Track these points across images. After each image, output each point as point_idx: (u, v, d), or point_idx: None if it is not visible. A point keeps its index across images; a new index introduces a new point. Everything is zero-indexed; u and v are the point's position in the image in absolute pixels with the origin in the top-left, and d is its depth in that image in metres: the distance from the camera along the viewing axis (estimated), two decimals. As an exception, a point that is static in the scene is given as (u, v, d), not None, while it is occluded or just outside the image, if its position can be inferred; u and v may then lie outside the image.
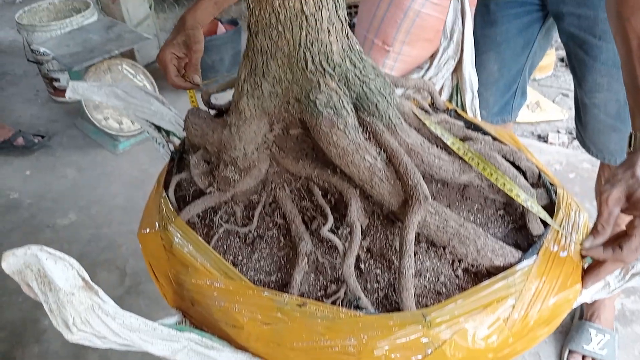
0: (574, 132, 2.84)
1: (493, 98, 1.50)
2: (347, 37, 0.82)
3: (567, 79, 3.28)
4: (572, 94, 3.17)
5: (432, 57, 1.25)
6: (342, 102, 0.80)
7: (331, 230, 0.81)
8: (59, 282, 0.54)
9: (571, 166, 2.49)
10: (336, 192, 0.86)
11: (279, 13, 0.76)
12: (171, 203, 0.91)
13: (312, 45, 0.78)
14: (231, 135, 0.86)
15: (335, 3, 0.78)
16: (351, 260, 0.75)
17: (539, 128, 2.84)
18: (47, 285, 0.54)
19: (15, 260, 0.53)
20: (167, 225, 0.88)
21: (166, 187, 0.98)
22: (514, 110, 1.60)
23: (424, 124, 0.91)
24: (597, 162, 2.54)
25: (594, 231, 0.77)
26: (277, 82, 0.82)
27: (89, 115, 2.60)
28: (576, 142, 2.74)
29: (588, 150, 1.40)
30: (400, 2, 2.97)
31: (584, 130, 1.37)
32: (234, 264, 0.83)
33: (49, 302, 0.54)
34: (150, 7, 3.21)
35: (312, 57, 0.79)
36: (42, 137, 2.76)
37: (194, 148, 1.04)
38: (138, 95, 1.22)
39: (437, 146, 0.90)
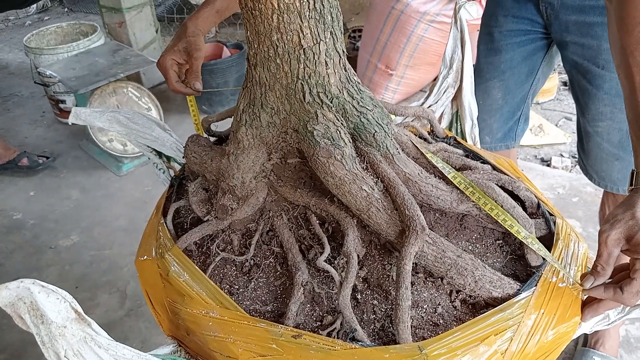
0: (577, 156, 2.84)
1: (497, 125, 1.51)
2: (345, 69, 0.83)
3: (569, 103, 3.29)
4: (575, 118, 3.18)
5: (432, 84, 1.26)
6: (340, 132, 0.81)
7: (328, 260, 0.81)
8: (51, 315, 0.54)
9: (574, 190, 2.48)
10: (333, 221, 0.86)
11: (277, 46, 0.77)
12: (169, 230, 0.92)
13: (309, 77, 0.79)
14: (229, 164, 0.87)
15: (332, 36, 0.79)
16: (347, 292, 0.75)
17: (542, 152, 2.84)
18: (39, 318, 0.53)
19: (8, 294, 0.53)
20: (164, 253, 0.88)
21: (164, 213, 0.98)
22: (517, 136, 1.60)
23: (422, 154, 0.92)
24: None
25: (594, 272, 0.77)
26: (275, 113, 0.83)
27: (94, 137, 2.62)
28: (579, 167, 2.73)
29: (590, 178, 1.40)
30: (403, 27, 3.01)
31: (587, 158, 1.37)
32: (230, 293, 0.83)
33: (41, 335, 0.54)
34: (156, 31, 3.25)
35: (310, 89, 0.79)
36: (47, 157, 2.78)
37: (193, 175, 1.04)
38: (140, 121, 1.23)
39: (435, 175, 0.90)
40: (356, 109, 0.83)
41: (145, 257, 0.92)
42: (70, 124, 1.20)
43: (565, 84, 3.48)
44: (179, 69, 1.14)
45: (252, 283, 0.84)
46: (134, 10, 3.06)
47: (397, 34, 3.03)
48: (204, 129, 1.07)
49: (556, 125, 3.06)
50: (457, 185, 0.86)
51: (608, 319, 0.84)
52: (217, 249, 0.88)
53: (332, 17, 0.78)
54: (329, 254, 0.81)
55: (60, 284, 2.10)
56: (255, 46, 0.79)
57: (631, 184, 0.83)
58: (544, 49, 1.42)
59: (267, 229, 0.88)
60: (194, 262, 0.85)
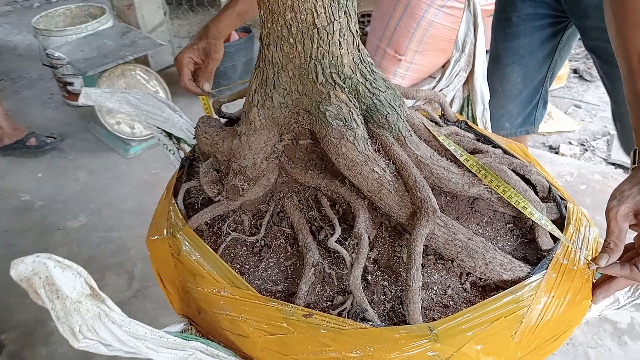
0: (585, 144, 2.83)
1: (517, 110, 1.50)
2: (359, 50, 0.82)
3: (579, 90, 3.26)
4: (584, 105, 3.16)
5: (444, 68, 1.25)
6: (352, 114, 0.80)
7: (338, 241, 0.81)
8: (67, 290, 0.54)
9: (582, 178, 2.47)
10: (344, 203, 0.86)
11: (290, 25, 0.76)
12: (180, 210, 0.92)
13: (323, 57, 0.78)
14: (241, 144, 0.87)
15: (347, 16, 0.78)
16: (358, 272, 0.75)
17: (551, 139, 2.82)
18: (55, 293, 0.54)
19: (24, 268, 0.53)
20: (175, 232, 0.88)
21: (175, 194, 0.98)
22: (536, 121, 1.60)
23: (434, 136, 0.91)
24: (609, 174, 2.53)
25: (607, 249, 0.76)
26: (287, 94, 0.82)
27: (102, 120, 2.62)
28: (588, 154, 2.72)
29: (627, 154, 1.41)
30: (413, 12, 2.98)
31: (623, 137, 1.38)
32: (241, 273, 0.84)
33: (56, 310, 0.54)
34: (165, 14, 3.24)
35: (323, 70, 0.79)
36: (55, 138, 2.78)
37: (203, 156, 1.04)
38: (150, 102, 1.23)
39: (446, 159, 0.90)
40: (369, 90, 0.83)
41: (157, 236, 0.92)
42: (80, 104, 1.20)
43: (575, 71, 3.45)
44: (195, 68, 1.15)
45: (263, 263, 0.84)
46: (142, -8, 3.05)
47: (407, 18, 3.01)
48: (214, 110, 1.07)
49: (565, 113, 3.04)
50: (470, 168, 0.86)
51: (618, 303, 0.84)
52: (228, 229, 0.88)
53: (350, -3, 0.78)
54: (340, 235, 0.82)
55: (69, 264, 2.10)
56: (269, 25, 0.78)
57: (634, 162, 0.83)
58: (562, 32, 1.41)
59: (278, 210, 0.89)
60: (205, 242, 0.85)
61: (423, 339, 0.70)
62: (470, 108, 1.25)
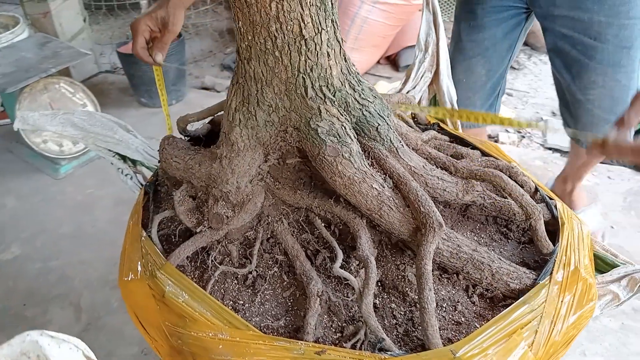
0: (522, 131, 2.92)
1: (480, 101, 1.51)
2: (345, 60, 0.77)
3: (509, 79, 3.37)
4: (515, 93, 3.26)
5: (409, 70, 1.22)
6: (345, 128, 0.75)
7: (341, 266, 0.75)
8: (66, 368, 0.46)
9: (524, 164, 2.54)
10: (340, 223, 0.81)
11: (275, 37, 0.70)
12: (156, 245, 0.83)
13: (311, 70, 0.72)
14: (222, 168, 0.79)
15: (333, 25, 0.73)
16: (369, 299, 0.70)
17: (489, 128, 2.89)
18: (52, 374, 0.45)
19: (10, 351, 0.44)
20: (154, 271, 0.79)
21: (144, 225, 0.89)
22: (497, 111, 1.62)
23: (422, 144, 0.88)
24: (548, 159, 2.63)
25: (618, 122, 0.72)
26: (273, 111, 0.76)
27: (26, 139, 2.40)
28: (525, 141, 2.82)
29: (577, 142, 1.44)
30: (347, 9, 2.96)
31: (576, 123, 1.41)
32: (235, 310, 0.76)
33: (54, 393, 0.46)
34: (84, 20, 3.03)
35: (312, 83, 0.73)
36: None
37: (170, 181, 0.96)
38: (98, 122, 1.12)
39: (436, 167, 0.87)
40: (358, 101, 0.78)
41: (131, 276, 0.82)
42: (16, 129, 1.07)
43: (503, 60, 3.56)
44: (150, 36, 1.05)
45: (258, 297, 0.78)
46: (59, -2, 2.83)
47: (341, 15, 2.98)
48: (179, 130, 0.98)
49: (499, 101, 3.13)
50: (442, 117, 0.84)
51: (618, 300, 0.84)
52: (214, 262, 0.80)
53: (332, 4, 0.72)
54: (342, 259, 0.76)
55: (5, 302, 1.91)
56: (249, 38, 0.71)
57: None
58: (523, 23, 1.44)
59: (268, 236, 0.82)
60: (189, 279, 0.77)
61: (446, 363, 0.67)
62: (438, 109, 1.23)
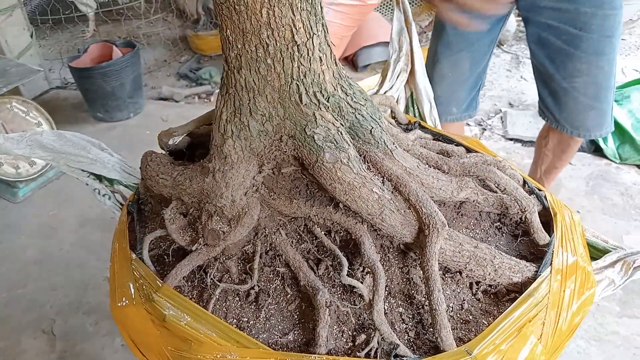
0: (482, 123, 2.98)
1: (464, 95, 1.53)
2: (336, 64, 0.75)
3: (466, 73, 3.44)
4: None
5: (384, 70, 1.22)
6: (341, 133, 0.74)
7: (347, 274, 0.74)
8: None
9: (489, 156, 2.59)
10: (340, 230, 0.79)
11: (267, 45, 0.68)
12: (149, 267, 0.80)
13: (305, 76, 0.71)
14: (215, 182, 0.76)
15: (324, 29, 0.71)
16: (380, 306, 0.69)
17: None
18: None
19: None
20: (150, 294, 0.76)
21: (132, 247, 0.85)
22: (477, 104, 1.64)
23: (412, 144, 0.87)
24: (511, 150, 2.69)
25: None
26: (266, 120, 0.73)
27: (-22, 163, 2.29)
28: (487, 133, 2.88)
29: (562, 128, 1.47)
30: (304, 11, 2.95)
31: (561, 111, 1.43)
32: (240, 328, 0.74)
33: None
34: (31, 36, 2.90)
35: (306, 89, 0.71)
36: None
37: (154, 198, 0.92)
38: (69, 142, 1.07)
39: (429, 166, 0.86)
40: (351, 105, 0.77)
41: (125, 301, 0.79)
42: (-20, 155, 1.01)
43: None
44: None
45: (263, 312, 0.75)
46: (3, 14, 2.70)
47: (298, 19, 2.97)
48: (162, 144, 0.94)
49: (459, 95, 3.19)
50: None
51: (614, 285, 0.86)
52: (214, 280, 0.77)
53: (321, 8, 0.71)
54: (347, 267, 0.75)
55: (-27, 335, 1.76)
56: (239, 47, 0.69)
57: None
58: (505, 17, 1.45)
59: (267, 248, 0.80)
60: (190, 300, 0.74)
61: (463, 363, 0.66)
62: (415, 107, 1.23)
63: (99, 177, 1.08)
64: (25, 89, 2.89)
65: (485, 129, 2.92)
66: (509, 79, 3.33)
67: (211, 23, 3.78)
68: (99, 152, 1.07)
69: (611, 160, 2.42)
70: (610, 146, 2.42)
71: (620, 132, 2.37)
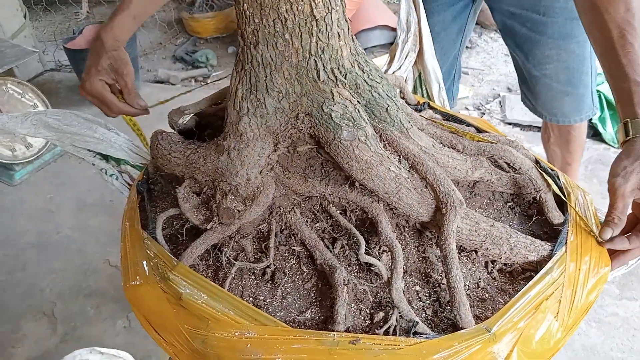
0: (481, 108, 2.98)
1: None
2: (353, 40, 0.74)
3: (463, 58, 3.43)
4: (472, 72, 3.31)
5: (392, 50, 1.21)
6: (359, 111, 0.73)
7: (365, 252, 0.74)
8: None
9: (488, 140, 2.59)
10: (356, 209, 0.79)
11: (285, 19, 0.66)
12: (163, 246, 0.79)
13: (323, 52, 0.70)
14: (230, 160, 0.75)
15: (342, 3, 0.70)
16: (399, 284, 0.69)
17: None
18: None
19: (60, 372, 0.40)
20: (166, 273, 0.75)
21: (145, 226, 0.84)
22: (454, 95, 1.62)
23: (428, 122, 0.87)
24: (510, 134, 2.69)
25: (612, 223, 0.77)
26: (283, 97, 0.72)
27: (-27, 146, 2.26)
28: (486, 117, 2.87)
29: (540, 115, 1.46)
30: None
31: (536, 99, 1.42)
32: (256, 306, 0.73)
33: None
34: (25, 17, 2.85)
35: (324, 66, 0.70)
36: None
37: (165, 177, 0.91)
38: (75, 122, 1.05)
39: (444, 145, 0.86)
40: (367, 83, 0.76)
41: (140, 280, 0.78)
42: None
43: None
44: (112, 91, 0.98)
45: (279, 290, 0.75)
46: (-4, -6, 2.66)
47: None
48: (172, 123, 0.92)
49: (457, 79, 3.18)
50: None
51: (626, 265, 0.86)
52: (229, 259, 0.77)
53: (340, -18, 0.69)
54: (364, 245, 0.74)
55: (-28, 320, 1.76)
56: (256, 21, 0.68)
57: (626, 135, 0.83)
58: (470, 4, 1.43)
59: (282, 227, 0.79)
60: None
61: (482, 341, 0.66)
62: (423, 88, 1.23)
63: (106, 157, 1.07)
64: (18, 71, 2.85)
65: (484, 114, 2.91)
66: (507, 63, 3.32)
67: (207, 5, 3.73)
68: (105, 132, 1.05)
69: (610, 145, 2.43)
70: (608, 130, 2.42)
71: (618, 116, 2.37)
